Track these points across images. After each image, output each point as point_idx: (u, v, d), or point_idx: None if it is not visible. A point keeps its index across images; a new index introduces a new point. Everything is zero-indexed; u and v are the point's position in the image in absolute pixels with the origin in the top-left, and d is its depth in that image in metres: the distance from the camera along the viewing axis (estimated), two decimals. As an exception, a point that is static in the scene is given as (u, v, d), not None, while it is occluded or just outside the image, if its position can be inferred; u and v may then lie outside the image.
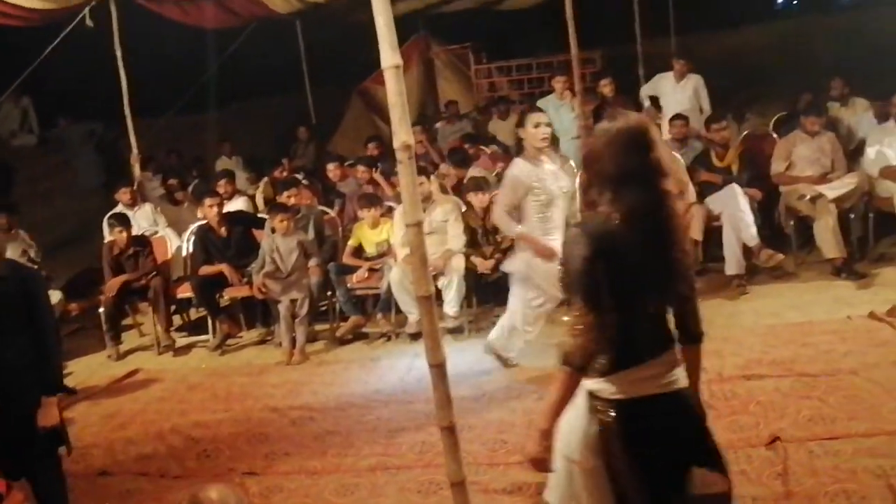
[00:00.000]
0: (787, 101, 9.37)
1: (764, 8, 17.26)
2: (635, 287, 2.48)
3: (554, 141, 8.37)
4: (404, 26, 12.81)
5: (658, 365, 2.55)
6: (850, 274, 6.86)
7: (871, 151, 7.39)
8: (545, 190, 5.46)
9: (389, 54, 3.15)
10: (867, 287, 6.69)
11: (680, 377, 2.63)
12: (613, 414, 2.53)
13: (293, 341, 6.97)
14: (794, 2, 19.79)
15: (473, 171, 8.31)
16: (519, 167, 5.54)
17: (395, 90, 3.17)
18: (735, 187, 7.18)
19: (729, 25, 13.76)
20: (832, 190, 7.13)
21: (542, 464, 2.61)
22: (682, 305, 2.61)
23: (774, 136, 8.36)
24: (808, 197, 7.10)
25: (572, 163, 8.39)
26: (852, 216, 7.30)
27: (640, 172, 2.46)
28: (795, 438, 4.32)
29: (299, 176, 9.14)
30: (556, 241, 5.33)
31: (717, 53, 12.47)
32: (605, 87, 9.48)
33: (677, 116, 8.31)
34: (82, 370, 7.33)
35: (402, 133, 3.19)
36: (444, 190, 8.07)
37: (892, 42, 11.09)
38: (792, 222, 7.39)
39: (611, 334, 2.46)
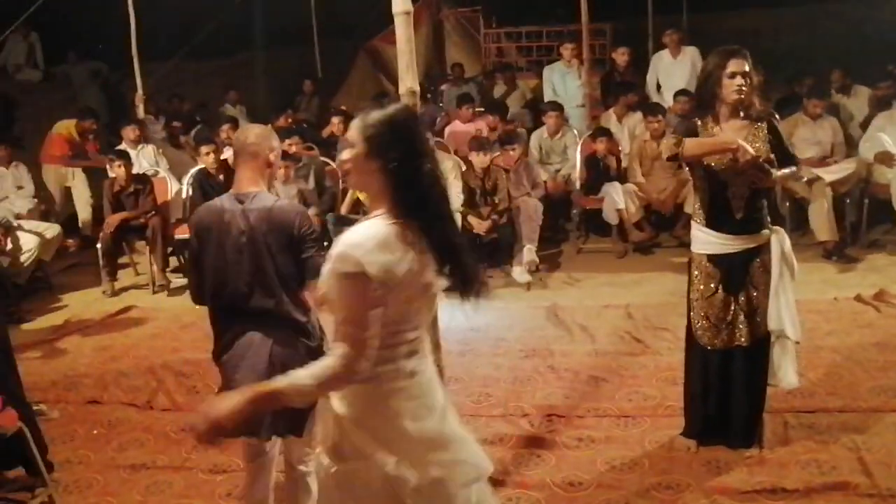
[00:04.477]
0: (789, 84, 9.32)
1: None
2: None
3: (559, 108, 8.40)
4: (416, -15, 12.74)
5: None
6: (840, 257, 6.94)
7: (869, 136, 7.42)
8: None
9: (401, 1, 3.19)
10: (856, 271, 6.78)
11: None
12: None
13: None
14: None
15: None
16: None
17: (404, 37, 3.22)
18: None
19: (742, 6, 13.69)
20: (829, 174, 7.18)
21: None
22: None
23: (776, 117, 8.35)
24: (804, 179, 7.15)
25: (575, 131, 8.46)
26: (848, 201, 7.35)
27: None
28: (773, 409, 4.38)
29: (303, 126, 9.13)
30: None
31: (727, 34, 12.39)
32: (621, 56, 9.39)
33: (682, 92, 8.24)
34: (77, 304, 7.41)
35: (409, 79, 3.25)
36: (444, 149, 8.11)
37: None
38: (787, 203, 7.44)
39: None
